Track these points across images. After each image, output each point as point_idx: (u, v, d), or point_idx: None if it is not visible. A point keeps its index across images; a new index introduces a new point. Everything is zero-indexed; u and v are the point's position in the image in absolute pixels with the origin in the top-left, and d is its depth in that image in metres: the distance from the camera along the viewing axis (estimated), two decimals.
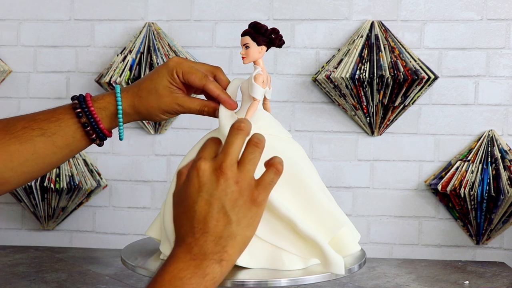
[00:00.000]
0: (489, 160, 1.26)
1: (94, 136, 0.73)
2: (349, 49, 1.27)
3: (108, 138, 0.75)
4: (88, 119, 0.71)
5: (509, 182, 1.23)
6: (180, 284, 0.53)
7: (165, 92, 0.73)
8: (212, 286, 0.54)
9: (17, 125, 0.70)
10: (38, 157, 0.69)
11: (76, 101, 0.72)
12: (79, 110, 0.72)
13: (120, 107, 0.73)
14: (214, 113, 0.74)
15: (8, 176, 0.68)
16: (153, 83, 0.73)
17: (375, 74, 1.22)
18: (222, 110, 0.73)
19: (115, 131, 0.77)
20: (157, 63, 1.26)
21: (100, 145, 0.75)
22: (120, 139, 0.76)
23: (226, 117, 0.73)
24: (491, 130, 1.28)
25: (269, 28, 0.71)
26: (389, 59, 1.24)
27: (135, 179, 1.36)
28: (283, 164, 0.58)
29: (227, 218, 0.54)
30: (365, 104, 1.26)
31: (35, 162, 0.69)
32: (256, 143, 0.57)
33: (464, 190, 1.24)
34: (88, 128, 0.72)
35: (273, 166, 0.57)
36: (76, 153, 0.74)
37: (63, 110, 0.73)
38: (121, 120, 0.73)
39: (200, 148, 0.57)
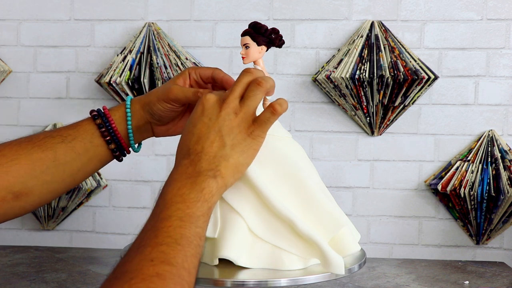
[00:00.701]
0: (489, 160, 1.26)
1: (108, 138, 0.72)
2: (349, 49, 1.27)
3: (124, 149, 0.74)
4: (103, 121, 0.72)
5: (509, 182, 1.23)
6: (180, 200, 0.56)
7: (169, 83, 0.75)
8: (210, 199, 0.58)
9: (40, 135, 0.71)
10: (59, 164, 0.70)
11: (96, 113, 0.74)
12: (95, 113, 0.73)
13: (128, 110, 0.74)
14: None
15: (32, 185, 0.68)
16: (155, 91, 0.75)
17: (375, 74, 1.22)
18: None
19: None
20: (157, 63, 1.26)
21: (118, 157, 0.75)
22: (134, 150, 0.76)
23: None
24: (491, 130, 1.28)
25: (269, 28, 0.71)
26: (389, 59, 1.24)
27: (135, 179, 1.36)
28: (284, 106, 0.62)
29: (222, 141, 0.60)
30: (365, 104, 1.26)
31: (56, 169, 0.70)
32: (259, 82, 0.62)
33: (464, 190, 1.24)
34: (103, 129, 0.72)
35: (271, 106, 0.62)
36: (95, 163, 0.74)
37: (83, 119, 0.74)
38: (130, 123, 0.73)
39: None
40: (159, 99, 0.73)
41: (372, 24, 1.28)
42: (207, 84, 0.76)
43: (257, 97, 0.62)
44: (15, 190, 0.67)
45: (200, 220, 0.56)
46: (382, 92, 1.24)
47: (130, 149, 0.76)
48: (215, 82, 0.75)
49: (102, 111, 0.73)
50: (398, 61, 1.24)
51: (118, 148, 0.74)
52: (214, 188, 0.58)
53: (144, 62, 1.28)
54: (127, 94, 1.28)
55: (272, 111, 0.61)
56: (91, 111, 0.73)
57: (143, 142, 0.78)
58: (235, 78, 0.72)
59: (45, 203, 0.72)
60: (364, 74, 1.23)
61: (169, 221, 0.55)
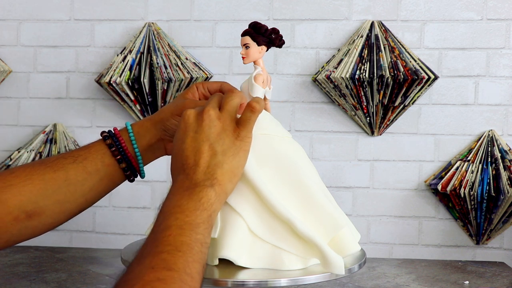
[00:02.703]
0: (489, 160, 1.26)
1: (119, 157, 0.73)
2: (349, 49, 1.27)
3: (135, 168, 0.75)
4: (113, 141, 0.73)
5: (509, 182, 1.23)
6: (179, 210, 0.57)
7: (179, 99, 0.77)
8: (209, 208, 0.58)
9: (53, 157, 0.73)
10: (71, 184, 0.70)
11: (106, 131, 0.75)
12: (106, 134, 0.74)
13: (131, 134, 0.75)
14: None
15: (44, 204, 0.69)
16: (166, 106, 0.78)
17: (375, 74, 1.22)
18: None
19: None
20: (157, 63, 1.26)
21: (129, 177, 0.75)
22: (141, 173, 0.77)
23: None
24: (491, 130, 1.28)
25: (269, 28, 0.71)
26: (389, 59, 1.24)
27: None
28: (261, 103, 0.64)
29: (212, 150, 0.61)
30: (365, 104, 1.26)
31: (67, 189, 0.70)
32: (231, 89, 0.66)
33: (464, 190, 1.24)
34: (113, 149, 0.73)
35: (249, 105, 0.63)
36: (107, 183, 0.74)
37: (95, 141, 0.75)
38: (135, 145, 0.74)
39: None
40: (173, 114, 0.74)
41: (372, 24, 1.28)
42: None
43: (234, 101, 0.64)
44: (27, 209, 0.68)
45: (201, 227, 0.56)
46: (382, 92, 1.24)
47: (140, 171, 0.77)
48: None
49: (113, 131, 0.74)
50: (398, 61, 1.24)
51: (129, 168, 0.75)
52: (213, 197, 0.59)
53: (144, 62, 1.28)
54: (127, 94, 1.28)
55: (251, 109, 0.63)
56: (102, 132, 0.74)
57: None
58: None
59: (58, 224, 0.72)
60: (364, 74, 1.23)
61: (169, 230, 0.55)
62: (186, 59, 1.30)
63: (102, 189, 0.74)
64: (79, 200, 0.72)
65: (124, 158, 0.74)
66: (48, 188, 0.69)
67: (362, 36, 1.27)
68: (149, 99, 1.28)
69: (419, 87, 1.24)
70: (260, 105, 0.64)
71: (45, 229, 0.71)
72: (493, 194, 1.22)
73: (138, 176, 0.77)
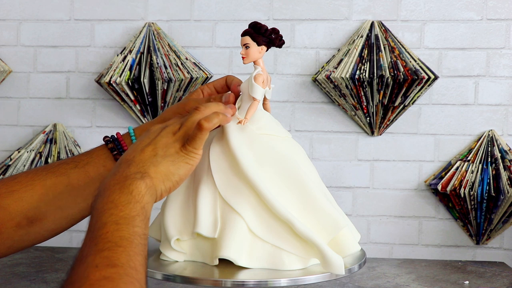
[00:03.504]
0: (489, 160, 1.26)
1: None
2: (349, 49, 1.27)
3: None
4: (115, 145, 0.74)
5: (509, 182, 1.23)
6: (113, 206, 0.56)
7: (183, 100, 0.78)
8: (141, 200, 0.57)
9: (55, 163, 0.73)
10: (72, 189, 0.71)
11: (108, 136, 0.76)
12: (108, 138, 0.74)
13: (133, 137, 0.76)
14: (220, 100, 0.76)
15: (45, 210, 0.69)
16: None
17: (375, 74, 1.22)
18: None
19: None
20: (157, 63, 1.26)
21: None
22: None
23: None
24: (491, 130, 1.28)
25: (269, 28, 0.71)
26: (389, 59, 1.24)
27: None
28: (213, 121, 0.63)
29: (154, 151, 0.61)
30: (365, 104, 1.26)
31: (69, 194, 0.70)
32: (197, 107, 0.65)
33: (464, 190, 1.24)
34: (116, 153, 0.73)
35: (198, 122, 0.63)
36: None
37: (97, 146, 0.76)
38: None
39: None
40: (175, 113, 0.74)
41: (372, 24, 1.28)
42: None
43: (193, 118, 0.64)
44: (29, 215, 0.68)
45: (136, 219, 0.56)
46: (382, 92, 1.24)
47: None
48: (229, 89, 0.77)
49: (115, 136, 0.74)
50: (398, 61, 1.24)
51: None
52: (143, 188, 0.58)
53: (144, 62, 1.28)
54: (127, 94, 1.28)
55: (198, 127, 0.62)
56: (104, 137, 0.75)
57: None
58: (237, 77, 0.73)
59: (60, 231, 0.72)
60: (364, 74, 1.23)
61: (105, 227, 0.55)
62: (186, 59, 1.30)
63: None
64: (81, 205, 0.72)
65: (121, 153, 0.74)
66: (49, 194, 0.69)
67: (362, 36, 1.27)
68: (149, 99, 1.28)
69: (419, 87, 1.24)
70: (210, 124, 0.62)
71: (47, 235, 0.70)
72: (493, 194, 1.22)
73: None
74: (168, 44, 1.30)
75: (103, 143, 0.75)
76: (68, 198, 0.70)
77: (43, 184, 0.69)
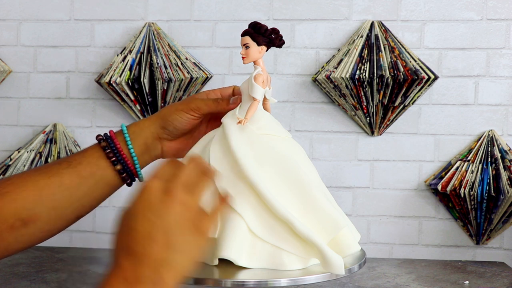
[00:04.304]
0: (489, 160, 1.26)
1: (114, 159, 0.72)
2: (349, 49, 1.27)
3: (131, 170, 0.75)
4: (108, 143, 0.72)
5: (509, 182, 1.23)
6: None
7: (188, 98, 0.77)
8: None
9: (49, 163, 0.72)
10: (65, 189, 0.70)
11: (101, 134, 0.74)
12: (101, 137, 0.73)
13: (127, 135, 0.74)
14: (227, 103, 0.76)
15: (39, 211, 0.68)
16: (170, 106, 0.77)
17: (375, 74, 1.22)
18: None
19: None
20: (157, 63, 1.26)
21: (126, 179, 0.75)
22: (139, 177, 0.76)
23: (226, 117, 0.73)
24: (491, 130, 1.28)
25: (269, 28, 0.71)
26: (389, 59, 1.24)
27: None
28: (229, 199, 0.59)
29: (168, 242, 0.51)
30: (365, 104, 1.26)
31: (62, 194, 0.70)
32: (205, 172, 0.58)
33: (464, 190, 1.24)
34: (108, 151, 0.72)
35: (222, 199, 0.58)
36: (103, 186, 0.73)
37: (90, 145, 0.75)
38: (131, 146, 0.74)
39: (157, 168, 0.57)
40: (178, 110, 0.74)
41: (372, 24, 1.28)
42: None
43: (204, 188, 0.57)
44: (23, 216, 0.67)
45: None
46: (382, 92, 1.24)
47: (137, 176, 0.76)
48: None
49: (108, 134, 0.74)
50: (398, 61, 1.24)
51: (125, 170, 0.74)
52: None
53: (144, 62, 1.28)
54: (127, 94, 1.28)
55: (224, 202, 0.59)
56: (97, 136, 0.74)
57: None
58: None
59: (56, 231, 0.71)
60: (364, 74, 1.23)
61: None
62: (186, 59, 1.30)
63: (98, 194, 0.73)
64: (74, 204, 0.71)
65: (119, 160, 0.73)
66: (42, 195, 0.68)
67: (362, 36, 1.27)
68: (149, 99, 1.28)
69: (419, 87, 1.24)
70: (230, 200, 0.60)
71: (43, 236, 0.70)
72: (493, 194, 1.22)
73: (137, 180, 0.77)
74: (168, 44, 1.30)
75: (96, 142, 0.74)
76: (61, 199, 0.70)
77: (36, 185, 0.68)
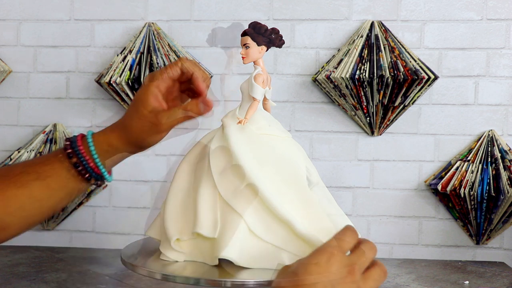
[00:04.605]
0: (489, 160, 1.26)
1: (87, 175, 0.71)
2: (349, 49, 1.27)
3: (106, 178, 0.74)
4: (79, 159, 0.70)
5: (509, 182, 1.23)
6: None
7: (145, 116, 0.71)
8: None
9: (15, 170, 0.70)
10: (35, 201, 0.69)
11: (68, 143, 0.72)
12: (69, 151, 0.71)
13: (93, 149, 0.72)
14: (199, 110, 0.70)
15: (9, 220, 0.68)
16: (133, 112, 0.72)
17: (375, 74, 1.22)
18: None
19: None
20: (157, 63, 1.26)
21: (100, 185, 0.74)
22: (107, 180, 0.75)
23: (226, 117, 0.73)
24: (491, 130, 1.28)
25: (269, 28, 0.71)
26: (389, 59, 1.24)
27: (135, 179, 1.36)
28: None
29: None
30: (365, 104, 1.26)
31: (32, 205, 0.69)
32: (384, 270, 0.60)
33: (464, 190, 1.24)
34: (80, 168, 0.70)
35: (380, 266, 0.59)
36: (76, 195, 0.73)
37: (57, 152, 0.72)
38: (98, 161, 0.72)
39: (341, 232, 0.59)
40: (143, 132, 0.71)
41: (372, 24, 1.28)
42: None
43: (380, 283, 0.59)
44: None
45: None
46: (382, 92, 1.24)
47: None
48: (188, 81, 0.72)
49: (76, 143, 0.72)
50: (398, 61, 1.24)
51: (96, 178, 0.72)
52: None
53: (144, 62, 1.28)
54: (127, 94, 1.28)
55: (385, 273, 0.60)
56: (65, 146, 0.71)
57: None
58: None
59: (23, 232, 0.71)
60: (364, 74, 1.23)
61: None
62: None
63: (69, 200, 0.73)
64: (45, 212, 0.71)
65: (90, 173, 0.71)
66: (11, 205, 0.67)
67: (362, 36, 1.27)
68: None
69: (419, 87, 1.24)
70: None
71: (10, 238, 0.70)
72: (493, 194, 1.22)
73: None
74: (168, 44, 1.30)
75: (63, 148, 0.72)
76: (31, 209, 0.69)
77: (4, 195, 0.67)
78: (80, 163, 0.70)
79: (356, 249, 0.59)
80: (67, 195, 0.72)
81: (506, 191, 1.22)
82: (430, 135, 1.31)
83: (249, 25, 0.71)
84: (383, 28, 1.28)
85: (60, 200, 0.71)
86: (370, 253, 0.60)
